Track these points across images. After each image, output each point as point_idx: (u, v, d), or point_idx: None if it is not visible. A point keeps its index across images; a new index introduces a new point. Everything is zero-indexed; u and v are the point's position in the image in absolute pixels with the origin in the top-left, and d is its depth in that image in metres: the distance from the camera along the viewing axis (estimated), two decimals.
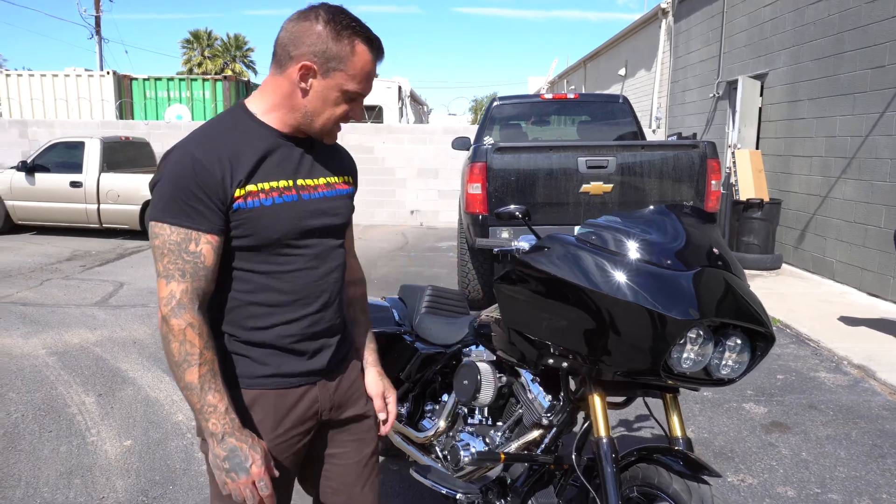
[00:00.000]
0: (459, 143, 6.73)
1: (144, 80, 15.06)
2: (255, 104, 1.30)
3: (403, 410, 2.64)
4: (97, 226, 9.19)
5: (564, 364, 1.79)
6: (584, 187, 4.71)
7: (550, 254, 1.72)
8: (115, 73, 14.76)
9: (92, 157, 9.05)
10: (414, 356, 2.61)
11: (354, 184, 1.48)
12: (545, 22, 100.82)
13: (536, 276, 1.74)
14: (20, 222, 9.44)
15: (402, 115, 13.28)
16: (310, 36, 1.21)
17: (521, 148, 4.83)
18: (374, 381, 1.57)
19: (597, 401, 1.77)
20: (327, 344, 1.40)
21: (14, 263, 7.45)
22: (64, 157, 9.21)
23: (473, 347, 2.39)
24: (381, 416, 1.57)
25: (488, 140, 6.46)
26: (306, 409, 1.37)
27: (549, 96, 6.62)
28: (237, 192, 1.21)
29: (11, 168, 9.45)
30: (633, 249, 1.64)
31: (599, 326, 1.62)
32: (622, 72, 15.51)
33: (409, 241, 9.88)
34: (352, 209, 1.45)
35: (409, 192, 11.50)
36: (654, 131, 11.38)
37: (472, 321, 2.41)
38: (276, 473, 1.27)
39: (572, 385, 1.98)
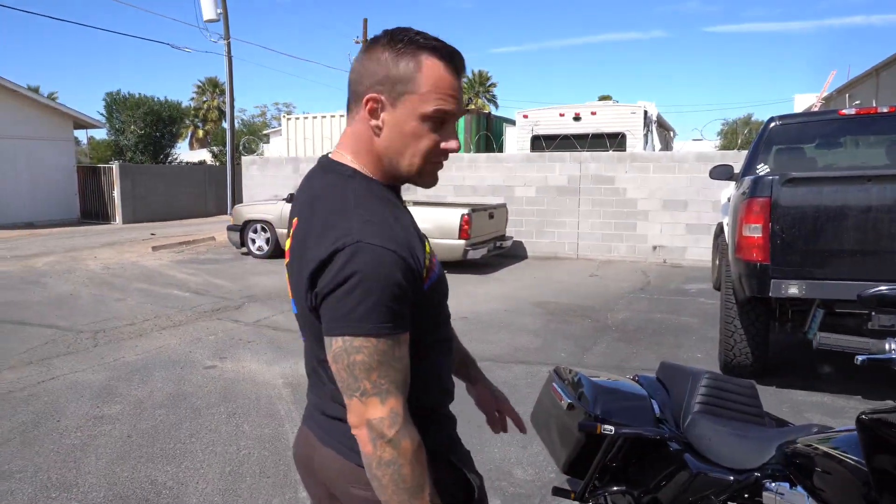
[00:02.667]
0: (720, 173, 5.72)
1: None
2: (354, 163, 1.14)
3: None
4: None
5: None
6: None
7: None
8: None
9: None
10: (681, 473, 1.86)
11: None
12: (812, 33, 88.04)
13: None
14: None
15: (647, 141, 12.22)
16: (371, 65, 1.08)
17: (821, 179, 3.71)
18: (486, 397, 1.54)
19: None
20: None
21: (275, 287, 8.21)
22: None
23: (787, 486, 1.58)
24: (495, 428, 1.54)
25: (762, 168, 5.29)
26: None
27: (852, 111, 5.19)
28: (424, 273, 1.08)
29: (282, 200, 10.66)
30: None
31: None
32: None
33: (650, 280, 8.84)
34: None
35: (653, 226, 10.42)
36: None
37: (782, 443, 1.61)
38: None
39: None
